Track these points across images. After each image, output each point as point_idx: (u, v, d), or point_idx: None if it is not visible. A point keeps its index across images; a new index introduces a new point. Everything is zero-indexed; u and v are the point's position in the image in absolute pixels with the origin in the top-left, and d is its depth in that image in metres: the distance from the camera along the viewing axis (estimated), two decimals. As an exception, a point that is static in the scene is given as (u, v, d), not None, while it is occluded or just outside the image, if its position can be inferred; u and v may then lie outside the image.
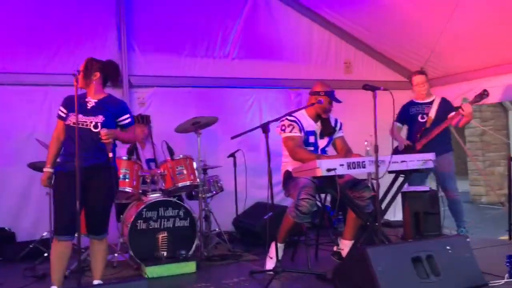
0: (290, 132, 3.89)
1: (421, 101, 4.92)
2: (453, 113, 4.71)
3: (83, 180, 3.09)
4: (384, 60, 6.97)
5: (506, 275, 2.92)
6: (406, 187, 4.09)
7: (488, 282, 2.95)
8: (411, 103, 4.95)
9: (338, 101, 4.01)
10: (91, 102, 3.25)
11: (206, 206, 4.88)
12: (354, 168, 3.44)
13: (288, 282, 3.55)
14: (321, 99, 3.94)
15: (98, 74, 3.29)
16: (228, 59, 6.26)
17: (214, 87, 6.16)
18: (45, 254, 4.27)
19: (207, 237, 4.61)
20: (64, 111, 3.22)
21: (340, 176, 3.60)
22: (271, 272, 3.55)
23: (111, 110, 3.25)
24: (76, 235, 3.07)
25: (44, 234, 4.56)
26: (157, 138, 5.00)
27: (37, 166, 4.22)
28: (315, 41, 6.77)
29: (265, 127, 3.52)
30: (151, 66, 5.84)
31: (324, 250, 4.38)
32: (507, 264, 2.93)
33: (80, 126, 3.11)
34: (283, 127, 3.92)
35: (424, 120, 4.78)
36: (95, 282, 3.24)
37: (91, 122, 3.16)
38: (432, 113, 4.75)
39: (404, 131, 5.14)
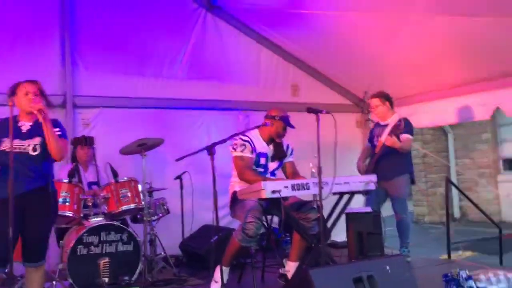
0: (242, 152, 3.91)
1: (382, 123, 4.99)
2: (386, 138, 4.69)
3: (21, 206, 2.97)
4: (330, 84, 7.16)
5: (443, 293, 3.01)
6: (353, 209, 4.17)
7: (426, 301, 3.03)
8: (376, 125, 5.09)
9: (292, 127, 4.08)
10: (26, 125, 3.14)
11: (152, 229, 4.78)
12: (299, 189, 3.48)
13: (233, 306, 3.51)
14: (267, 122, 3.98)
15: None
16: (177, 80, 6.22)
17: (162, 108, 6.10)
18: None
19: (152, 261, 4.50)
20: None
21: (285, 198, 3.64)
22: (216, 296, 3.50)
23: None
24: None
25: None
26: (102, 160, 4.89)
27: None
28: (263, 64, 6.86)
29: (210, 149, 3.51)
30: (97, 86, 5.70)
31: (271, 273, 4.37)
32: (444, 282, 3.02)
33: (17, 151, 2.99)
34: (235, 146, 3.93)
35: (376, 143, 4.88)
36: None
37: (29, 145, 3.04)
38: (383, 136, 4.82)
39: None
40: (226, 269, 3.80)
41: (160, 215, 4.82)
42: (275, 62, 6.93)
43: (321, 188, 3.38)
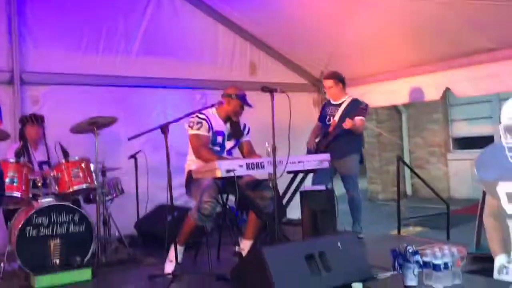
0: (198, 130, 3.87)
1: (333, 102, 5.09)
2: (349, 121, 4.72)
3: None
4: (288, 63, 7.18)
5: (391, 268, 3.11)
6: (307, 187, 4.24)
7: (375, 275, 3.13)
8: (325, 104, 5.14)
9: (250, 106, 4.06)
10: None
11: (105, 210, 4.70)
12: (253, 169, 3.50)
13: (187, 285, 3.52)
14: (223, 100, 3.95)
15: None
16: (131, 57, 6.07)
17: (115, 86, 5.93)
18: None
19: (106, 242, 4.43)
20: None
21: (240, 177, 3.65)
22: (170, 276, 3.49)
23: None
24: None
25: None
26: (52, 139, 4.72)
27: None
28: (220, 42, 6.79)
29: (164, 128, 3.46)
30: (46, 62, 5.48)
31: (226, 251, 4.39)
32: (392, 257, 3.12)
33: None
34: (191, 124, 3.90)
35: (329, 122, 4.95)
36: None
37: None
38: (337, 116, 4.91)
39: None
40: (181, 248, 3.79)
41: (114, 195, 4.74)
42: (233, 41, 6.86)
43: (275, 167, 3.40)
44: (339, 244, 3.05)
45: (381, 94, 6.30)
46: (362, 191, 6.23)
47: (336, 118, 4.88)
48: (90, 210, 4.55)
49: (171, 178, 3.45)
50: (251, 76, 7.01)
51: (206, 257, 3.92)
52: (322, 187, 4.30)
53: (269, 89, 3.53)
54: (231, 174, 3.35)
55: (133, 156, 4.95)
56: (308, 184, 4.44)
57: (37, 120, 4.69)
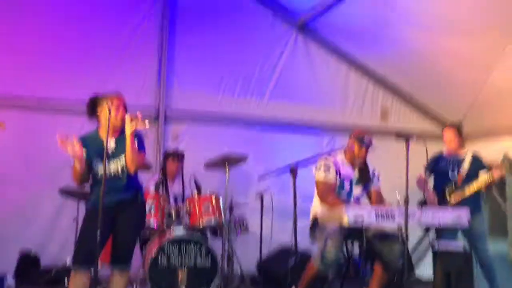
0: (325, 174, 3.81)
1: (451, 156, 4.72)
2: (485, 174, 4.45)
3: (112, 215, 3.14)
4: (421, 110, 6.86)
5: None
6: (442, 243, 3.91)
7: None
8: (441, 157, 4.74)
9: (368, 146, 3.93)
10: (110, 144, 3.20)
11: (230, 246, 4.81)
12: (383, 218, 3.31)
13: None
14: (351, 145, 3.86)
15: None
16: (264, 100, 6.30)
17: (249, 125, 6.17)
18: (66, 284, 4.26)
19: (228, 277, 4.51)
20: None
21: (368, 227, 3.49)
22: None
23: None
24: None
25: (67, 260, 4.57)
26: (187, 173, 5.02)
27: (68, 192, 4.28)
28: (351, 87, 6.75)
29: (293, 169, 3.46)
30: (188, 101, 5.93)
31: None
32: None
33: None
34: (319, 166, 3.85)
35: (454, 178, 4.58)
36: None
37: (117, 167, 3.19)
38: (464, 170, 4.54)
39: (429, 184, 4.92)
40: (301, 294, 3.71)
41: (239, 231, 4.83)
42: (365, 85, 6.78)
43: (407, 218, 3.19)
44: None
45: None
46: (503, 255, 5.59)
47: (463, 173, 4.52)
48: (215, 244, 4.71)
49: (296, 220, 3.42)
50: (382, 122, 6.83)
51: (327, 306, 3.78)
52: (459, 247, 3.93)
53: (405, 135, 3.37)
54: (359, 223, 3.22)
55: (260, 195, 5.01)
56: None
57: (179, 156, 5.02)
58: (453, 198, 4.47)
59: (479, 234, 4.45)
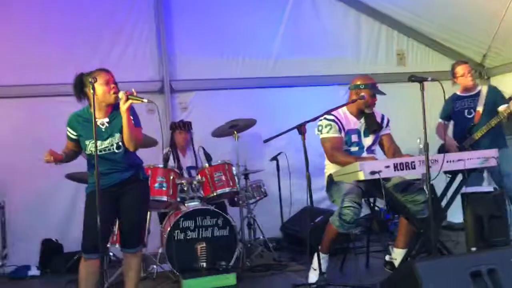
0: (328, 133, 3.57)
1: (466, 94, 4.36)
2: (504, 106, 4.16)
3: (114, 196, 3.00)
4: (441, 49, 6.46)
5: None
6: (465, 189, 3.65)
7: None
8: (456, 97, 4.38)
9: (382, 93, 3.64)
10: (103, 122, 3.04)
11: (250, 212, 4.68)
12: (402, 169, 3.07)
13: (333, 297, 3.25)
14: (364, 95, 3.58)
15: None
16: (271, 59, 6.02)
17: (256, 88, 5.94)
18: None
19: (251, 246, 4.38)
20: None
21: (387, 179, 3.26)
22: (314, 286, 3.25)
23: None
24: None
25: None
26: (198, 143, 4.86)
27: (74, 177, 4.18)
28: (363, 33, 6.40)
29: (300, 128, 3.24)
30: (192, 70, 5.71)
31: (377, 258, 4.01)
32: None
33: (102, 153, 3.00)
34: (320, 128, 3.62)
35: (471, 115, 4.26)
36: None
37: (112, 145, 3.00)
38: (480, 107, 4.22)
39: (450, 128, 4.62)
40: (324, 256, 3.53)
41: (258, 198, 4.68)
42: (377, 30, 6.42)
43: (428, 167, 2.94)
44: (514, 259, 2.50)
45: None
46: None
47: (480, 109, 4.18)
48: (236, 213, 4.58)
49: (311, 182, 3.21)
50: (399, 67, 6.47)
51: (354, 265, 3.61)
52: (490, 188, 3.66)
53: (419, 78, 3.08)
54: (376, 176, 2.98)
55: (275, 158, 4.82)
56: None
57: (185, 126, 4.84)
58: (474, 137, 4.17)
59: (507, 171, 4.15)
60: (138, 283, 3.18)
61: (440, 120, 4.35)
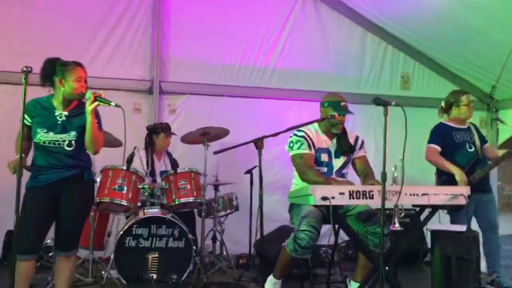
0: (298, 149, 3.35)
1: (462, 127, 4.07)
2: (488, 145, 4.10)
3: (55, 194, 2.88)
4: (449, 76, 6.20)
5: None
6: (441, 225, 3.38)
7: None
8: (453, 128, 4.04)
9: (348, 113, 3.41)
10: (62, 116, 2.94)
11: (219, 225, 4.49)
12: (358, 198, 2.83)
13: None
14: (334, 114, 3.36)
15: None
16: (268, 68, 5.85)
17: (250, 97, 5.77)
18: (38, 263, 4.06)
19: (212, 261, 4.18)
20: None
21: (351, 206, 3.05)
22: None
23: None
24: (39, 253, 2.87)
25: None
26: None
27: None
28: (368, 52, 6.19)
29: (257, 143, 3.04)
30: (185, 73, 5.59)
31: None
32: None
33: (52, 145, 2.88)
34: (291, 144, 3.40)
35: (472, 150, 3.97)
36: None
37: (64, 141, 2.89)
38: (477, 142, 3.99)
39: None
40: (277, 282, 3.31)
41: (228, 211, 4.48)
42: (383, 50, 6.20)
43: (384, 199, 2.70)
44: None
45: None
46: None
47: (478, 144, 3.95)
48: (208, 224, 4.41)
49: (263, 202, 3.00)
50: (403, 91, 6.22)
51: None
52: (463, 228, 3.37)
53: (383, 102, 2.86)
54: (327, 202, 2.75)
55: (249, 172, 4.61)
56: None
57: (170, 130, 4.70)
58: (478, 175, 3.88)
59: (495, 211, 3.87)
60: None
61: (434, 146, 4.04)
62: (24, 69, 2.61)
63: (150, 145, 4.65)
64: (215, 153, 3.29)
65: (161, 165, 4.64)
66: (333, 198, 2.78)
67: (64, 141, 2.87)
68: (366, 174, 3.43)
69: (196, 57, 5.61)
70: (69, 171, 2.91)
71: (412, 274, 4.59)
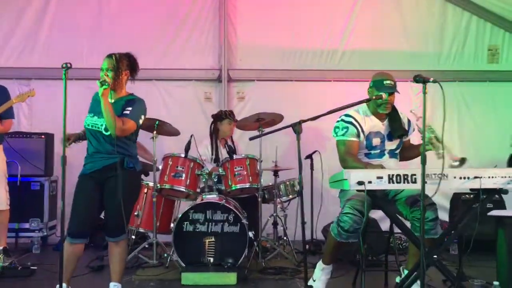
0: (343, 135, 3.22)
1: None
2: None
3: (100, 182, 3.03)
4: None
5: None
6: (502, 211, 3.04)
7: None
8: None
9: (394, 92, 3.20)
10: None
11: (281, 210, 4.49)
12: (399, 182, 2.65)
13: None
14: (381, 95, 3.17)
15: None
16: (339, 50, 5.68)
17: (320, 81, 5.65)
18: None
19: (272, 246, 4.18)
20: None
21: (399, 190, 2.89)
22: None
23: None
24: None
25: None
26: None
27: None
28: (449, 25, 5.73)
29: (296, 127, 2.97)
30: (253, 60, 5.63)
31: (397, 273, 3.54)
32: None
33: (93, 128, 3.04)
34: (337, 130, 3.27)
35: None
36: (111, 284, 3.12)
37: (102, 125, 3.00)
38: None
39: None
40: (326, 268, 3.22)
41: (291, 197, 4.44)
42: (466, 21, 5.69)
43: (424, 182, 2.49)
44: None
45: None
46: None
47: None
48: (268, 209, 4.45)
49: (302, 185, 2.93)
50: (491, 64, 5.69)
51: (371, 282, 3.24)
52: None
53: (422, 78, 2.63)
54: (362, 187, 2.61)
55: (309, 157, 4.52)
56: None
57: (234, 116, 4.78)
58: None
59: None
60: (122, 273, 3.15)
61: None
62: (64, 65, 2.77)
63: (214, 132, 4.77)
64: (251, 139, 3.28)
65: (225, 151, 4.73)
66: (370, 182, 2.63)
67: (102, 125, 3.00)
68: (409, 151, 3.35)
69: (263, 43, 5.63)
70: (109, 160, 3.01)
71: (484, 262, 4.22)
